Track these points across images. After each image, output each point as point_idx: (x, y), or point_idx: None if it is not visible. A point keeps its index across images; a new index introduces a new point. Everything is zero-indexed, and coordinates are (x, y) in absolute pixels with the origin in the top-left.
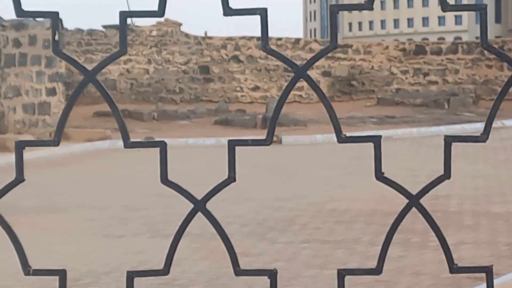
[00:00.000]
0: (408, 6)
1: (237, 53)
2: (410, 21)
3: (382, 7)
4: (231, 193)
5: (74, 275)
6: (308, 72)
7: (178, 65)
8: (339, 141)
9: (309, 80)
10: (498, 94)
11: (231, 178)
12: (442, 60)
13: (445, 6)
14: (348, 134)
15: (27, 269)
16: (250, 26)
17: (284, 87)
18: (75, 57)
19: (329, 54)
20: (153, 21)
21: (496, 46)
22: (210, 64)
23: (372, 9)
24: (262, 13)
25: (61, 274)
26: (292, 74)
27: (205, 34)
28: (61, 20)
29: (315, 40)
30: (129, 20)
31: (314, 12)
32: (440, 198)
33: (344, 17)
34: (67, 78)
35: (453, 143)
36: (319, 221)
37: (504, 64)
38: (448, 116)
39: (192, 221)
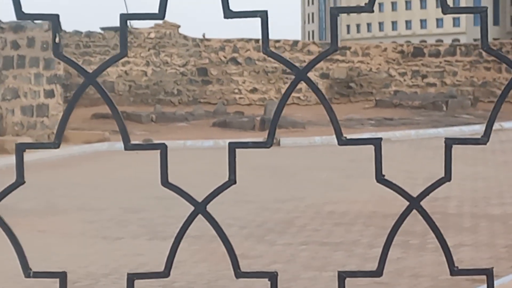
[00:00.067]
0: (406, 8)
1: (235, 55)
2: (408, 23)
3: (380, 9)
4: (230, 195)
5: (73, 277)
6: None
7: (176, 67)
8: (339, 144)
9: (310, 83)
10: (498, 97)
11: (232, 181)
12: (440, 62)
13: (445, 9)
14: (347, 137)
15: (27, 271)
16: (248, 28)
17: (282, 89)
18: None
19: (327, 56)
20: (151, 23)
21: (494, 48)
22: (208, 66)
23: (372, 11)
24: (263, 15)
25: (62, 276)
26: (290, 76)
27: (203, 36)
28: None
29: (313, 42)
30: (127, 22)
31: (312, 14)
32: (439, 200)
33: (342, 19)
34: (66, 80)
35: (452, 145)
36: (317, 223)
37: (502, 66)
38: (447, 118)
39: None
